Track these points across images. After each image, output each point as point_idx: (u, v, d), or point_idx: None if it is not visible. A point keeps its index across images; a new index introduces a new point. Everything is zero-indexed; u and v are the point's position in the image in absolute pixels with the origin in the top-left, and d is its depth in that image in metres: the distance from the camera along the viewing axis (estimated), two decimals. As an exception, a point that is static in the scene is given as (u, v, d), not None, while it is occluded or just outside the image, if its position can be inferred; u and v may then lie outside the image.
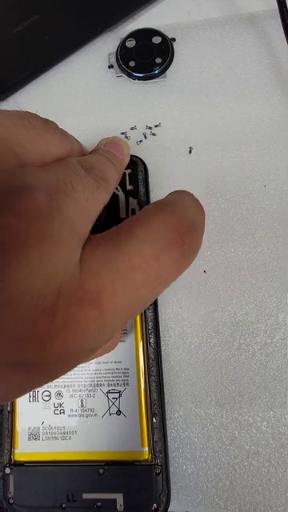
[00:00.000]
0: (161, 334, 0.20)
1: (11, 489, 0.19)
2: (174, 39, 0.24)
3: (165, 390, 0.19)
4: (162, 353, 0.20)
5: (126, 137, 0.23)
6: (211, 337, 0.20)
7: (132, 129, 0.23)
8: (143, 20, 0.26)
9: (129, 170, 0.21)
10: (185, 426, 0.19)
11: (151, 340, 0.19)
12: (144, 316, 0.19)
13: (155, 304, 0.20)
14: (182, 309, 0.20)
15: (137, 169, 0.21)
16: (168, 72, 0.24)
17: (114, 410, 0.19)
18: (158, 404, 0.19)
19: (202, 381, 0.20)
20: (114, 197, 0.21)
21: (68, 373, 0.19)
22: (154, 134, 0.23)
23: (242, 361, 0.19)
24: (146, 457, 0.18)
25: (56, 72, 0.25)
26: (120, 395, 0.19)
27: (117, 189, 0.21)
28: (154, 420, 0.18)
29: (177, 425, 0.19)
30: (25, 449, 0.19)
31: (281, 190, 0.22)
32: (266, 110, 0.23)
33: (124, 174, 0.21)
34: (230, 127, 0.23)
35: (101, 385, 0.19)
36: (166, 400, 0.19)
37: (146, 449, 0.18)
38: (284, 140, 0.22)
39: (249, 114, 0.23)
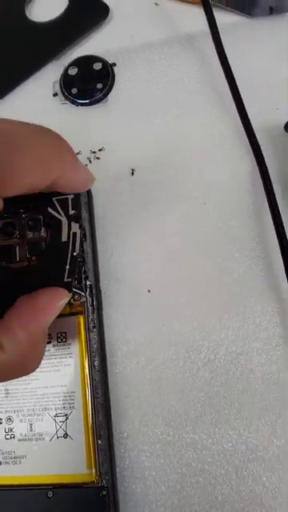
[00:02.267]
0: (108, 355, 0.20)
1: None
2: (114, 64, 0.25)
3: (113, 411, 0.20)
4: (111, 373, 0.20)
5: (71, 162, 0.24)
6: (157, 355, 0.20)
7: (77, 153, 0.23)
8: (88, 46, 0.27)
9: (71, 196, 0.22)
10: (133, 445, 0.19)
11: (95, 362, 0.19)
12: (88, 338, 0.20)
13: (100, 326, 0.20)
14: (127, 329, 0.21)
15: (79, 193, 0.22)
16: (110, 96, 0.24)
17: (61, 433, 0.19)
18: (104, 426, 0.19)
19: (149, 399, 0.20)
20: (57, 221, 0.22)
21: (18, 397, 0.20)
22: (97, 158, 0.23)
23: (187, 378, 0.20)
24: (93, 479, 0.18)
25: (4, 101, 0.26)
26: (67, 418, 0.19)
27: (59, 213, 0.22)
28: (100, 442, 0.19)
29: (125, 445, 0.19)
30: (-23, 474, 0.19)
31: (220, 206, 0.22)
32: (205, 127, 0.23)
33: (66, 199, 0.22)
34: (171, 147, 0.23)
35: (49, 409, 0.19)
36: (114, 420, 0.20)
37: (93, 471, 0.18)
38: (223, 156, 0.23)
39: (188, 133, 0.23)
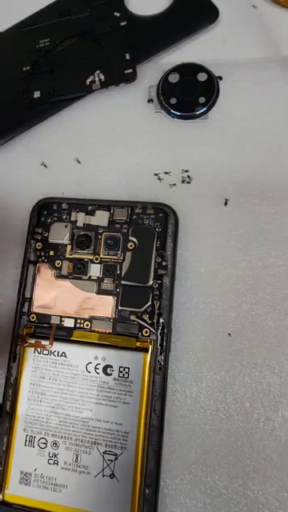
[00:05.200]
0: (177, 393, 0.19)
1: (-3, 528, 0.19)
2: (220, 77, 0.22)
3: (176, 454, 0.19)
4: (176, 414, 0.19)
5: (159, 178, 0.22)
6: (229, 404, 0.19)
7: (166, 173, 0.22)
8: (186, 51, 0.24)
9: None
10: (192, 494, 0.18)
11: (156, 407, 0.18)
12: (152, 381, 0.18)
13: (165, 368, 0.19)
14: (201, 370, 0.19)
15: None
16: (211, 113, 0.22)
17: (107, 472, 0.18)
18: (154, 475, 0.18)
19: (215, 450, 0.19)
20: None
21: (67, 424, 0.19)
22: (189, 178, 0.21)
23: (259, 435, 0.18)
24: (134, 527, 0.18)
25: (93, 99, 0.24)
26: (116, 458, 0.18)
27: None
28: (147, 491, 0.18)
29: (184, 491, 0.18)
30: (15, 491, 0.19)
31: None
32: (312, 167, 0.21)
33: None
34: (272, 179, 0.21)
35: (98, 443, 0.18)
36: (176, 464, 0.19)
37: (135, 518, 0.18)
38: None
39: (294, 169, 0.21)
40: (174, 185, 0.21)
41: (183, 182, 0.21)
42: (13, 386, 0.20)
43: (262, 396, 0.19)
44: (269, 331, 0.19)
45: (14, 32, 0.25)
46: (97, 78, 0.23)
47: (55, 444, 0.19)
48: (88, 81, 0.23)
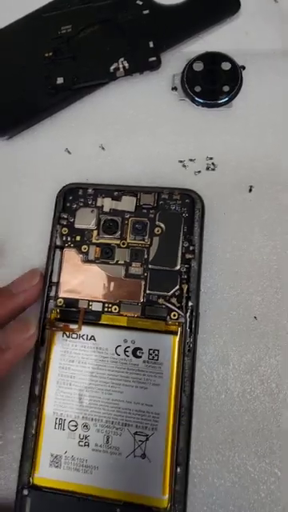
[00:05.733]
0: (204, 375, 0.20)
1: (27, 510, 0.19)
2: (243, 67, 0.23)
3: (204, 434, 0.19)
4: (204, 395, 0.20)
5: (184, 165, 0.22)
6: (256, 386, 0.19)
7: (191, 160, 0.22)
8: (208, 41, 0.24)
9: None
10: (221, 473, 0.19)
11: (186, 388, 0.19)
12: (182, 363, 0.19)
13: (194, 350, 0.19)
14: (227, 353, 0.20)
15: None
16: (234, 101, 0.22)
17: (139, 452, 0.18)
18: (184, 454, 0.18)
19: (242, 430, 0.19)
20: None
21: (98, 406, 0.19)
22: (213, 165, 0.22)
23: (286, 415, 0.19)
24: (165, 505, 0.18)
25: (116, 86, 0.24)
26: (147, 439, 0.18)
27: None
28: (179, 470, 0.18)
29: (213, 471, 0.19)
30: (45, 474, 0.19)
31: None
32: None
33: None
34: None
35: (129, 425, 0.19)
36: (204, 444, 0.19)
37: (166, 497, 0.18)
38: None
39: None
40: (199, 172, 0.22)
41: (208, 169, 0.22)
42: (41, 369, 0.20)
43: None
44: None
45: (34, 18, 0.25)
46: (121, 66, 0.23)
47: (86, 426, 0.19)
48: (112, 68, 0.23)
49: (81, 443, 0.19)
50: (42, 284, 0.20)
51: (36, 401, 0.19)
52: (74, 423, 0.19)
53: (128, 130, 0.23)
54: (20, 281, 0.20)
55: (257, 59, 0.23)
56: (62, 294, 0.20)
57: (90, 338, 0.20)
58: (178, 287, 0.20)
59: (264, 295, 0.20)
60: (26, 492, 0.19)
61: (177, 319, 0.19)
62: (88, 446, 0.19)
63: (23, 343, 0.18)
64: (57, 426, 0.19)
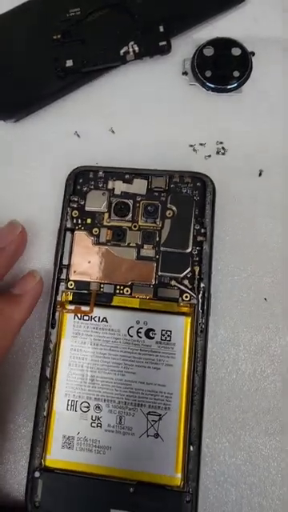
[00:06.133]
0: (215, 356, 0.20)
1: (39, 493, 0.19)
2: (253, 53, 0.23)
3: (215, 414, 0.19)
4: (215, 376, 0.20)
5: (194, 150, 0.22)
6: (266, 366, 0.20)
7: (201, 144, 0.22)
8: (218, 26, 0.24)
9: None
10: (232, 452, 0.19)
11: (198, 368, 0.19)
12: (194, 343, 0.19)
13: (206, 332, 0.19)
14: (238, 334, 0.20)
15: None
16: (244, 87, 0.23)
17: (152, 432, 0.19)
18: (197, 433, 0.18)
19: (253, 409, 0.19)
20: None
21: (110, 387, 0.19)
22: (224, 149, 0.22)
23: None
24: (179, 483, 0.18)
25: (125, 69, 0.24)
26: (160, 418, 0.19)
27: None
28: (191, 448, 0.18)
29: (224, 450, 0.19)
30: (57, 456, 0.19)
31: None
32: None
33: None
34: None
35: (142, 405, 0.19)
36: (215, 423, 0.19)
37: (179, 475, 0.18)
38: None
39: None
40: (210, 156, 0.22)
41: (218, 153, 0.22)
42: (52, 352, 0.20)
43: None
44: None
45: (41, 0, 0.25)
46: (131, 49, 0.23)
47: (98, 407, 0.19)
48: (122, 51, 0.23)
49: (93, 424, 0.19)
50: (26, 233, 0.21)
51: (47, 383, 0.19)
52: (86, 404, 0.19)
53: (138, 113, 0.23)
54: (3, 234, 0.21)
55: (266, 45, 0.23)
56: (72, 277, 0.20)
57: (102, 320, 0.20)
58: (189, 269, 0.20)
59: (274, 277, 0.21)
60: (37, 474, 0.19)
61: (189, 301, 0.20)
62: (100, 426, 0.19)
63: (36, 287, 0.20)
64: (69, 408, 0.19)
